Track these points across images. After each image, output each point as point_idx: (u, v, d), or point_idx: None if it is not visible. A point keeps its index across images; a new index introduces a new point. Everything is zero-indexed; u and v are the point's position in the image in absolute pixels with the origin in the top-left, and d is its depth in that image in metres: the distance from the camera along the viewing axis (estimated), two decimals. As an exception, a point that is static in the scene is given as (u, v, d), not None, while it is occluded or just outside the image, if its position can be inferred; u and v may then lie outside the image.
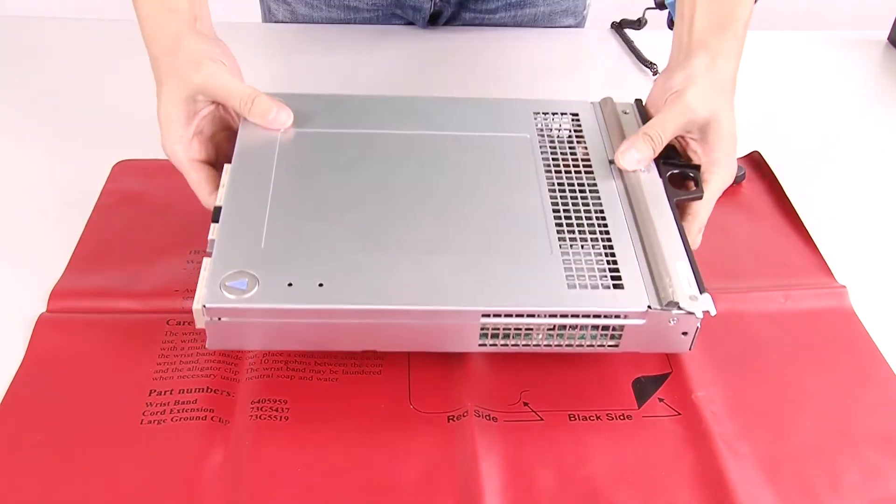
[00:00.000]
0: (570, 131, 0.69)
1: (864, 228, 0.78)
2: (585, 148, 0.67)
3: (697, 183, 0.65)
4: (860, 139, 0.91)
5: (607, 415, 0.59)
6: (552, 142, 0.68)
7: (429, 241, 0.58)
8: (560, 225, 0.60)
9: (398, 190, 0.62)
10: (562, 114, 0.70)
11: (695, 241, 0.65)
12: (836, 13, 2.01)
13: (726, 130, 0.66)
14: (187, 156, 0.66)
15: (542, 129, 0.69)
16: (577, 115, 0.71)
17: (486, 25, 1.08)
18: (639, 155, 0.65)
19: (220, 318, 0.54)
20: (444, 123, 0.68)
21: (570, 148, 0.67)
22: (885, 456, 0.58)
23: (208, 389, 0.59)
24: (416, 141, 0.66)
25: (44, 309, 0.65)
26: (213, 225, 0.59)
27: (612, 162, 0.66)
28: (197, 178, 0.66)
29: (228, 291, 0.54)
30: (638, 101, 0.72)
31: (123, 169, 0.80)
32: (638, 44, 1.05)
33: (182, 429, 0.57)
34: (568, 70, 1.00)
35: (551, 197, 0.62)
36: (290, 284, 0.55)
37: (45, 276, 0.68)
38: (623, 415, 0.59)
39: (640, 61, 1.03)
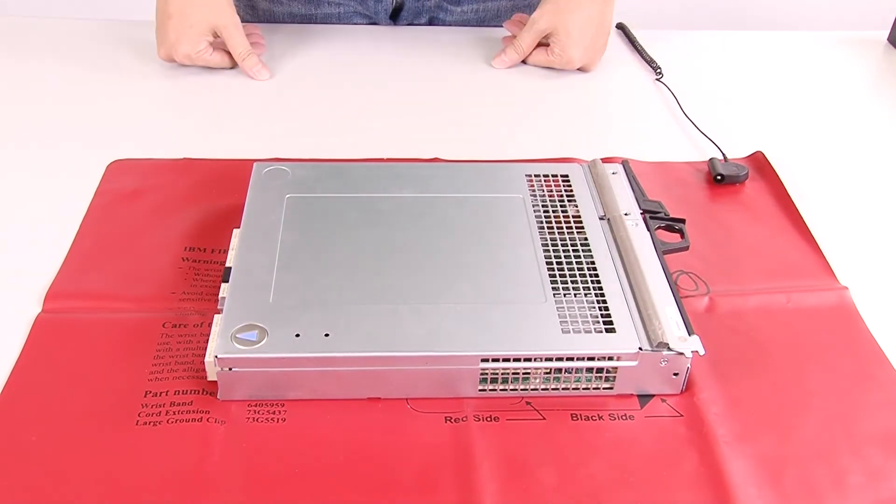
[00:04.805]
0: (561, 192, 0.72)
1: (866, 228, 0.78)
2: (576, 206, 0.70)
3: (683, 235, 0.69)
4: (861, 139, 0.91)
5: (609, 415, 0.59)
6: (544, 202, 0.71)
7: (429, 293, 0.61)
8: (553, 276, 0.63)
9: (399, 246, 0.65)
10: (552, 175, 0.73)
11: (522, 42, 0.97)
12: (836, 13, 2.01)
13: (563, 33, 0.96)
14: (199, 54, 0.93)
15: (534, 190, 0.72)
16: (567, 176, 0.74)
17: (450, 23, 1.09)
18: (507, 58, 0.99)
19: (230, 369, 0.56)
20: (440, 187, 0.72)
21: (561, 207, 0.70)
22: (888, 456, 0.57)
23: (204, 391, 0.58)
24: (415, 203, 0.70)
25: (39, 309, 0.64)
26: (223, 284, 0.62)
27: (602, 218, 0.69)
28: (210, 57, 0.94)
29: (239, 343, 0.57)
30: (625, 162, 0.75)
31: (118, 169, 0.80)
32: (643, 43, 1.05)
33: (178, 430, 0.56)
34: (573, 70, 1.00)
35: (544, 251, 0.66)
36: (297, 335, 0.57)
37: (40, 276, 0.67)
38: (625, 415, 0.59)
39: (645, 60, 1.02)
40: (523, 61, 1.00)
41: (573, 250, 0.66)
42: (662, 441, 0.57)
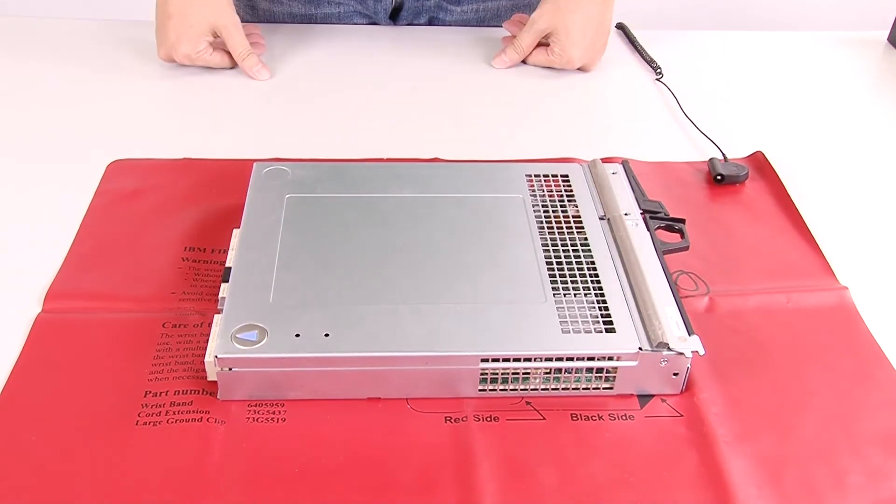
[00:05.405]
0: (561, 192, 0.72)
1: (866, 228, 0.78)
2: (576, 206, 0.70)
3: (683, 235, 0.70)
4: (861, 139, 0.91)
5: (609, 415, 0.59)
6: (544, 202, 0.71)
7: (429, 293, 0.61)
8: (553, 276, 0.63)
9: (399, 246, 0.65)
10: (552, 175, 0.73)
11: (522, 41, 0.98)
12: (836, 13, 2.01)
13: (563, 33, 0.96)
14: (199, 54, 0.93)
15: (534, 190, 0.72)
16: (567, 176, 0.74)
17: (450, 23, 1.09)
18: (507, 58, 0.99)
19: (230, 369, 0.56)
20: (440, 187, 0.72)
21: (561, 207, 0.70)
22: (888, 456, 0.57)
23: (204, 391, 0.58)
24: (415, 203, 0.70)
25: (39, 309, 0.64)
26: (223, 284, 0.62)
27: (602, 218, 0.69)
28: (210, 57, 0.94)
29: (239, 343, 0.57)
30: (625, 162, 0.75)
31: (118, 169, 0.80)
32: (643, 43, 1.05)
33: (178, 430, 0.56)
34: (572, 70, 1.00)
35: (544, 251, 0.66)
36: (297, 335, 0.57)
37: (40, 276, 0.67)
38: (625, 415, 0.59)
39: (645, 60, 1.02)
40: (523, 61, 1.00)
41: (573, 250, 0.66)
42: (662, 441, 0.57)
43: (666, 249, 0.67)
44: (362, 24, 1.09)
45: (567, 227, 0.68)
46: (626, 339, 0.58)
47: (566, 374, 0.59)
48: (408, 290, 0.61)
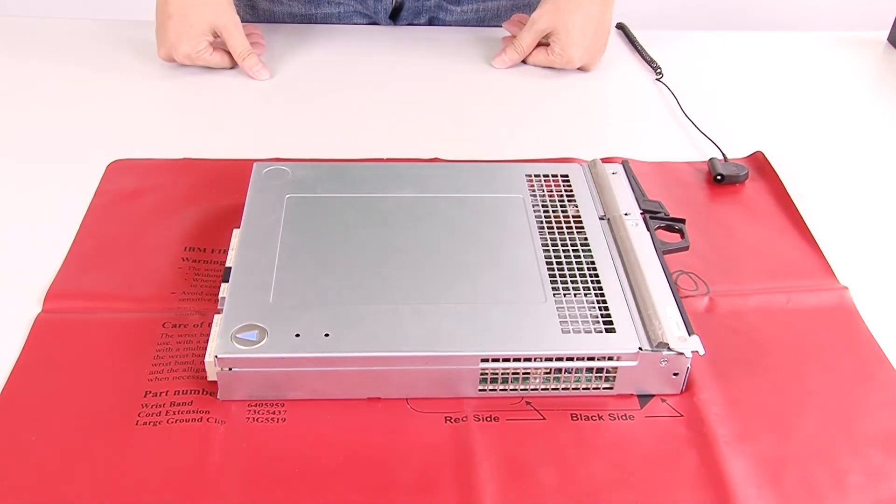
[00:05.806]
0: (561, 192, 0.72)
1: (866, 228, 0.78)
2: (576, 206, 0.70)
3: (683, 235, 0.70)
4: (861, 139, 0.91)
5: (609, 415, 0.59)
6: (544, 202, 0.71)
7: (429, 293, 0.61)
8: (553, 276, 0.63)
9: (399, 246, 0.65)
10: (552, 175, 0.73)
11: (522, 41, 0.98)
12: (836, 13, 2.01)
13: (563, 33, 0.96)
14: (199, 54, 0.93)
15: (534, 190, 0.72)
16: (567, 176, 0.74)
17: (450, 23, 1.09)
18: (507, 58, 0.99)
19: (230, 369, 0.56)
20: (440, 187, 0.72)
21: (561, 207, 0.70)
22: (888, 456, 0.57)
23: (204, 391, 0.58)
24: (415, 203, 0.70)
25: (39, 309, 0.64)
26: (223, 284, 0.62)
27: (602, 218, 0.69)
28: (210, 57, 0.94)
29: (239, 343, 0.57)
30: (625, 162, 0.75)
31: (118, 169, 0.80)
32: (643, 43, 1.05)
33: (178, 430, 0.56)
34: (572, 70, 1.00)
35: (544, 251, 0.66)
36: (297, 335, 0.57)
37: (40, 276, 0.67)
38: (625, 415, 0.59)
39: (645, 60, 1.02)
40: (523, 61, 1.00)
41: (573, 250, 0.66)
42: (662, 441, 0.57)
43: (666, 249, 0.67)
44: (362, 24, 1.09)
45: (567, 227, 0.68)
46: (626, 339, 0.58)
47: (566, 374, 0.59)
48: (408, 290, 0.61)
